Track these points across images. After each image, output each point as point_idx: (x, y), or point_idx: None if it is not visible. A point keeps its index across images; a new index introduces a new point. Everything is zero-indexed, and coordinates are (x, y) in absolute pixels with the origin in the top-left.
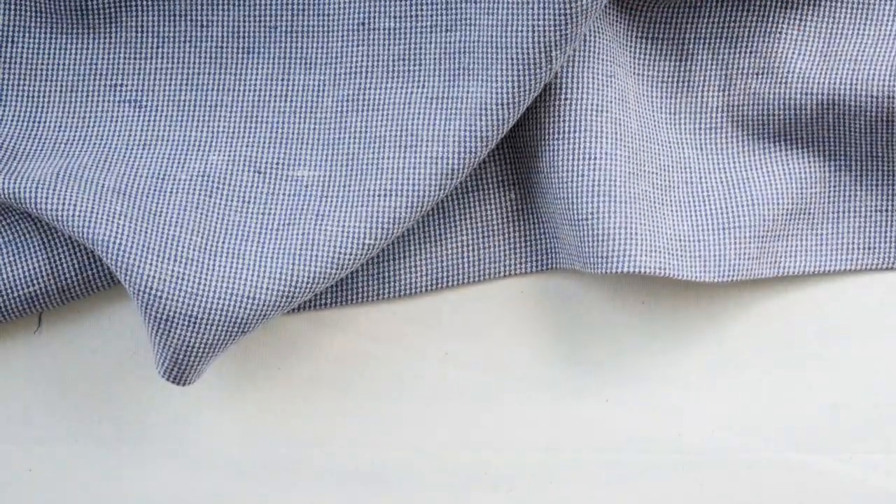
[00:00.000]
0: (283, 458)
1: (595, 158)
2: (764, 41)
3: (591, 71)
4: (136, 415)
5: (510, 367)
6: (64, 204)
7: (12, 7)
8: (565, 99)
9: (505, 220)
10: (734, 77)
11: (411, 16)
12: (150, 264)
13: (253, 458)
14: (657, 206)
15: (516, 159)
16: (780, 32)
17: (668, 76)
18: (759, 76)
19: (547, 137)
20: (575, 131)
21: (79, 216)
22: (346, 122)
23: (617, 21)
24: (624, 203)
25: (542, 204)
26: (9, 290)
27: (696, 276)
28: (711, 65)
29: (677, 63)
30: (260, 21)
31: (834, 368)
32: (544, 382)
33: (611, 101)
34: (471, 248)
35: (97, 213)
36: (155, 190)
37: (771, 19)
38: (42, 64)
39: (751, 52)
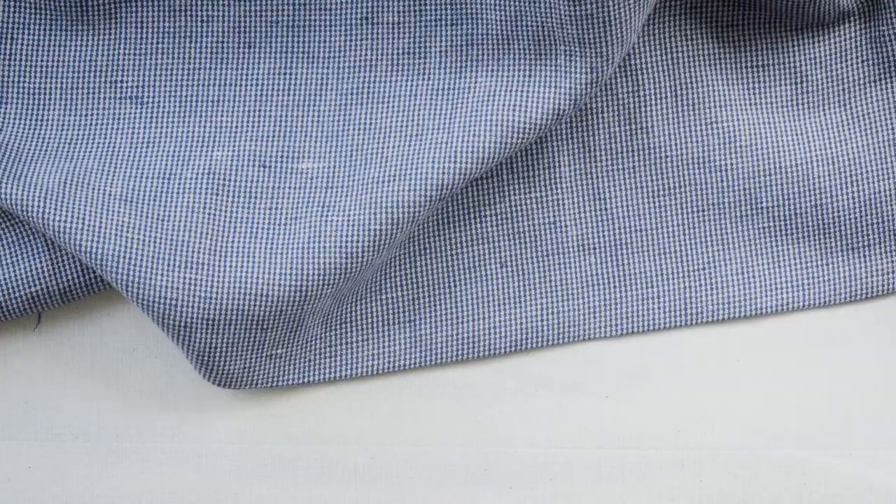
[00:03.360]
0: (282, 454)
1: (703, 210)
2: (875, 47)
3: (690, 122)
4: (136, 412)
5: (510, 363)
6: (72, 217)
7: (11, 3)
8: (666, 156)
9: (585, 283)
10: (853, 89)
11: (415, 10)
12: (162, 274)
13: (252, 455)
14: (766, 244)
15: (599, 222)
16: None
17: (789, 100)
18: (879, 82)
19: (649, 195)
20: (680, 186)
21: (87, 231)
22: (349, 114)
23: (721, 58)
24: (735, 249)
25: (630, 265)
26: (11, 290)
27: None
28: (827, 83)
29: (794, 86)
30: (261, 16)
31: (834, 365)
32: (544, 379)
33: (713, 149)
34: (550, 311)
35: (105, 228)
36: (161, 192)
37: (876, 21)
38: (42, 61)
39: (863, 61)
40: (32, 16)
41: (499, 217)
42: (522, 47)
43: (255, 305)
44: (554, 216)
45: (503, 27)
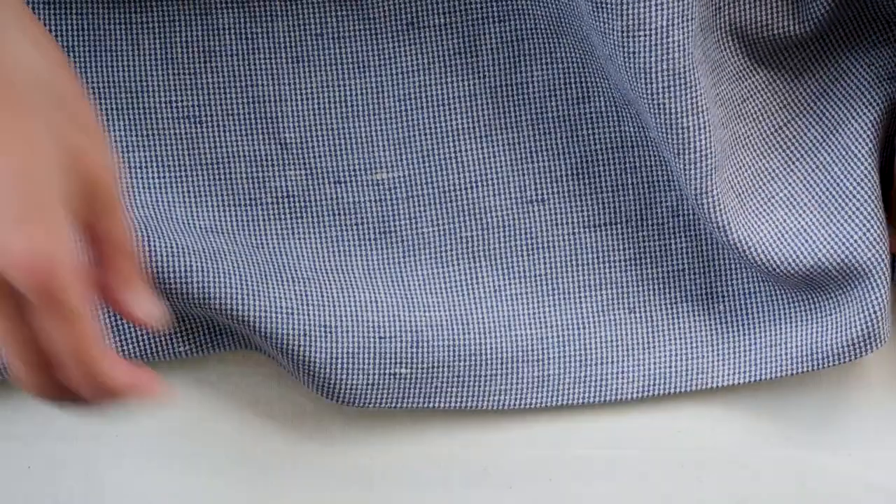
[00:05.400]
0: (282, 454)
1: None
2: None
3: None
4: (138, 413)
5: None
6: (167, 244)
7: (58, 27)
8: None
9: (714, 331)
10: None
11: (460, 10)
12: (273, 287)
13: (252, 455)
14: None
15: (728, 270)
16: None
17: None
18: None
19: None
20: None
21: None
22: (412, 119)
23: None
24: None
25: (758, 312)
26: None
27: None
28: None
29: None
30: (305, 29)
31: (833, 365)
32: None
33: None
34: (680, 358)
35: (205, 252)
36: (247, 220)
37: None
38: (92, 83)
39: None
40: (78, 38)
41: (626, 262)
42: (572, 42)
43: (367, 311)
44: (683, 263)
45: (550, 21)
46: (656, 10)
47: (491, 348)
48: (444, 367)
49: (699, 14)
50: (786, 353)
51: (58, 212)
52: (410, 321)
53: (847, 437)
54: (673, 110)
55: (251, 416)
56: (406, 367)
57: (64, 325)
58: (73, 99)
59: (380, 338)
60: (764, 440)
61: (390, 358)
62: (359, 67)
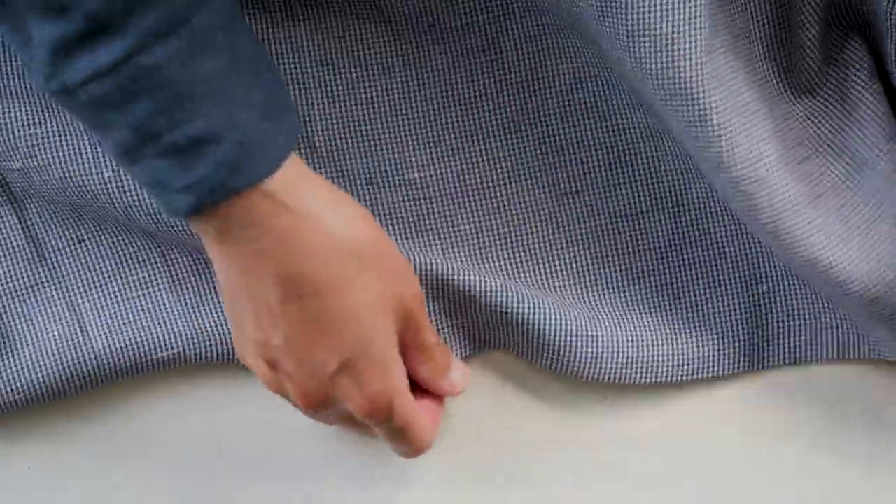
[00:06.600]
0: (282, 454)
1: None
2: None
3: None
4: (136, 412)
5: (511, 364)
6: None
7: None
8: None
9: (756, 314)
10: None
11: (480, 9)
12: None
13: (252, 455)
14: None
15: (767, 252)
16: None
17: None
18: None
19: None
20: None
21: None
22: (440, 118)
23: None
24: None
25: (798, 297)
26: (151, 352)
27: None
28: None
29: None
30: (327, 32)
31: (834, 366)
32: (545, 380)
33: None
34: (726, 341)
35: None
36: None
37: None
38: None
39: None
40: None
41: (667, 249)
42: (596, 35)
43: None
44: (724, 246)
45: (570, 17)
46: (661, 15)
47: (542, 321)
48: (499, 320)
49: (720, 22)
50: (830, 339)
51: (390, 360)
52: (460, 283)
53: (847, 439)
54: (683, 119)
55: (252, 415)
56: (462, 318)
57: (396, 438)
58: (379, 248)
59: (431, 298)
60: (763, 441)
61: (446, 312)
62: (383, 68)
